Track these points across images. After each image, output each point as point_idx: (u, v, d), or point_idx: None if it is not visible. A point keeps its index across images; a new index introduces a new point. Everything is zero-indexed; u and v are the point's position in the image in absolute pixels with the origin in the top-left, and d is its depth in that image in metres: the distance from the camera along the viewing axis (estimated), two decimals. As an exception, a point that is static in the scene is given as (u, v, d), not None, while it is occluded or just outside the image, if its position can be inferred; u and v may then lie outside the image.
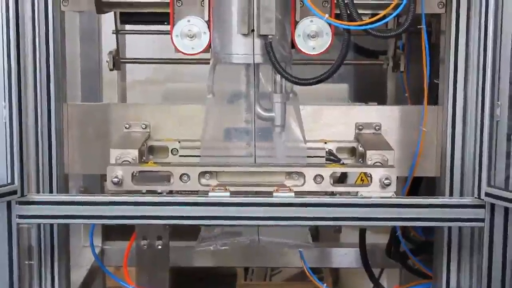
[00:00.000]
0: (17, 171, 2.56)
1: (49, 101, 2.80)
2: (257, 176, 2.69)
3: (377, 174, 2.65)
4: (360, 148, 2.88)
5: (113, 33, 3.51)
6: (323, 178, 2.65)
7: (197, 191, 2.66)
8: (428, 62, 2.82)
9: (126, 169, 2.65)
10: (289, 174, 2.67)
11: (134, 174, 2.65)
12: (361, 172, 2.82)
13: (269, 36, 2.57)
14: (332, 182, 2.67)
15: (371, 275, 3.64)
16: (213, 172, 2.66)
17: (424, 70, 2.83)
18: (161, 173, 2.71)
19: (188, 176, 2.65)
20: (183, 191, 2.66)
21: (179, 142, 2.92)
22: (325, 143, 2.92)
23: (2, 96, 2.53)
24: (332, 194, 2.68)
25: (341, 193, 2.68)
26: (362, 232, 3.55)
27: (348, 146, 2.95)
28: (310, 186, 2.66)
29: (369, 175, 2.67)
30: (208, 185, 2.64)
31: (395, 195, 2.65)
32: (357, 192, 2.67)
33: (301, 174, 2.66)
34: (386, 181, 2.64)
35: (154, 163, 2.83)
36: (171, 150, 2.93)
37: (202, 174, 2.66)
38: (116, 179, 2.62)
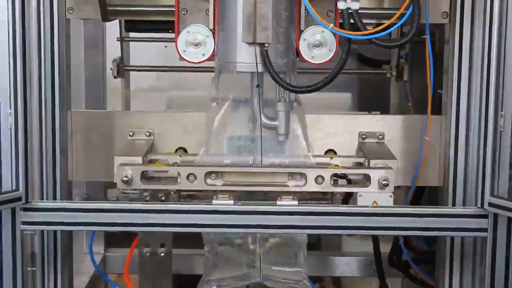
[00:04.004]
0: (22, 178, 2.57)
1: (53, 108, 2.81)
2: (261, 176, 2.74)
3: (376, 175, 2.68)
4: (367, 164, 2.88)
5: (117, 40, 3.52)
6: (323, 179, 2.70)
7: (203, 190, 2.73)
8: (432, 72, 2.82)
9: (135, 168, 2.70)
10: (291, 174, 2.72)
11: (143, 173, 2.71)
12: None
13: (266, 44, 2.58)
14: (332, 183, 2.71)
15: (383, 284, 3.59)
16: (219, 172, 2.71)
17: (427, 79, 2.83)
18: (167, 175, 2.76)
19: (195, 176, 2.69)
20: (189, 190, 2.74)
21: (180, 156, 2.93)
22: (331, 158, 2.93)
23: (8, 103, 2.54)
24: (333, 194, 2.76)
25: (341, 193, 2.76)
26: (376, 240, 3.52)
27: (354, 161, 2.94)
28: (312, 186, 2.71)
29: (369, 177, 2.69)
30: (214, 185, 2.70)
31: (393, 196, 2.67)
32: (355, 193, 2.70)
33: (303, 175, 2.71)
34: (384, 182, 2.67)
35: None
36: (172, 164, 2.93)
37: (208, 174, 2.70)
38: (125, 178, 2.67)
